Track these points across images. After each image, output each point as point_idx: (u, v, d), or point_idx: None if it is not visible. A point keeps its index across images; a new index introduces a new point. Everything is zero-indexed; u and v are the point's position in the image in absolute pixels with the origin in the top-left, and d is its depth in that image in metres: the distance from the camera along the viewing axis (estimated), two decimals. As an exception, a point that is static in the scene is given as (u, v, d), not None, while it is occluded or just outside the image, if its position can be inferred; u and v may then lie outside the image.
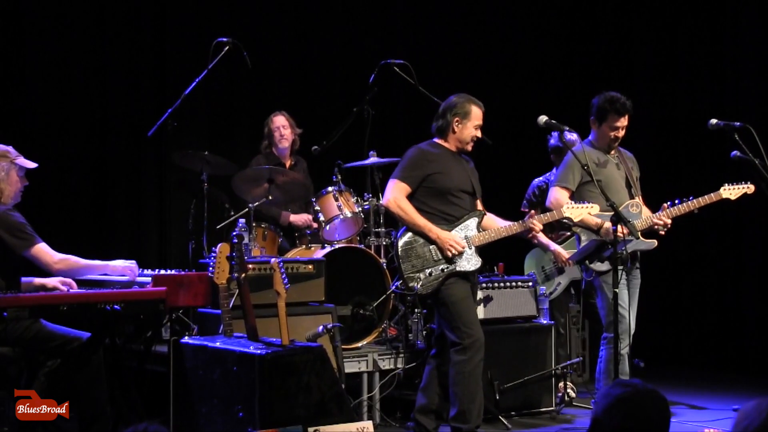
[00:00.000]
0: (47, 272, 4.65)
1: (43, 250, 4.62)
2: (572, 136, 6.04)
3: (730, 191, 5.62)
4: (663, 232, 5.58)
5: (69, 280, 4.65)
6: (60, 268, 4.63)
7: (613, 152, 5.73)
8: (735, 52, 8.16)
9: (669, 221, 5.56)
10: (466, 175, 5.33)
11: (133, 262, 4.87)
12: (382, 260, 6.20)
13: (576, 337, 6.91)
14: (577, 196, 5.55)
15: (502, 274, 6.32)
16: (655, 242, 5.60)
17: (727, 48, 8.22)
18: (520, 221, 5.37)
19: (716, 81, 8.26)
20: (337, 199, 6.25)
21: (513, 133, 8.08)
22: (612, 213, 4.97)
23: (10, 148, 4.75)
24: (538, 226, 5.30)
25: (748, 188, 5.62)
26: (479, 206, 5.39)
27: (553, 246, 6.49)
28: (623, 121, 5.64)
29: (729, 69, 8.20)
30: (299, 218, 6.79)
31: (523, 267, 6.83)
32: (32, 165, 4.79)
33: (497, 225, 5.33)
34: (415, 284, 5.13)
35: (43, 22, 6.90)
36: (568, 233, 6.49)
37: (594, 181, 5.17)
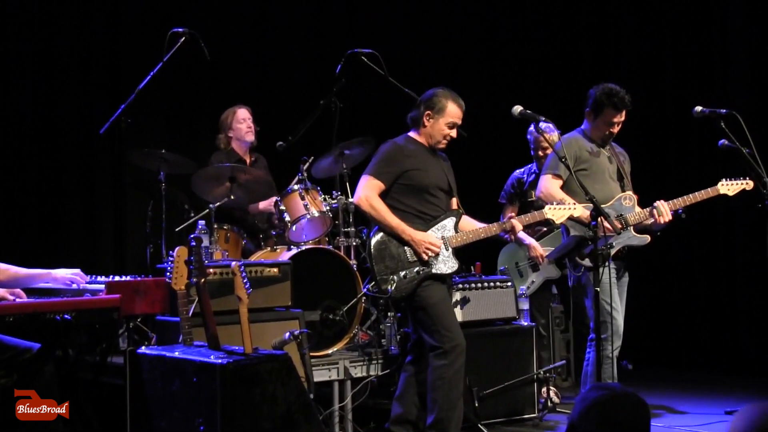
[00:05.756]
0: None
1: None
2: (549, 125, 6.06)
3: (728, 187, 5.59)
4: (662, 220, 5.44)
5: (18, 290, 4.61)
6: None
7: (606, 147, 5.66)
8: (723, 40, 8.21)
9: (670, 215, 5.47)
10: (443, 172, 5.32)
11: (78, 270, 4.82)
12: (353, 261, 6.19)
13: (559, 339, 6.94)
14: (566, 186, 5.52)
15: (480, 273, 6.34)
16: (648, 238, 5.56)
17: (715, 36, 8.27)
18: (499, 222, 5.38)
19: (703, 69, 8.30)
20: (303, 198, 6.22)
21: (489, 124, 8.11)
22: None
23: None
24: (518, 227, 5.32)
25: (747, 184, 5.59)
26: (455, 205, 5.40)
27: (528, 240, 6.51)
28: (620, 117, 5.52)
29: (716, 57, 8.25)
30: (269, 203, 6.66)
31: (499, 265, 6.88)
32: None
33: (474, 226, 5.34)
34: (389, 287, 5.12)
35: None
36: (545, 228, 6.53)
37: (572, 174, 5.16)
